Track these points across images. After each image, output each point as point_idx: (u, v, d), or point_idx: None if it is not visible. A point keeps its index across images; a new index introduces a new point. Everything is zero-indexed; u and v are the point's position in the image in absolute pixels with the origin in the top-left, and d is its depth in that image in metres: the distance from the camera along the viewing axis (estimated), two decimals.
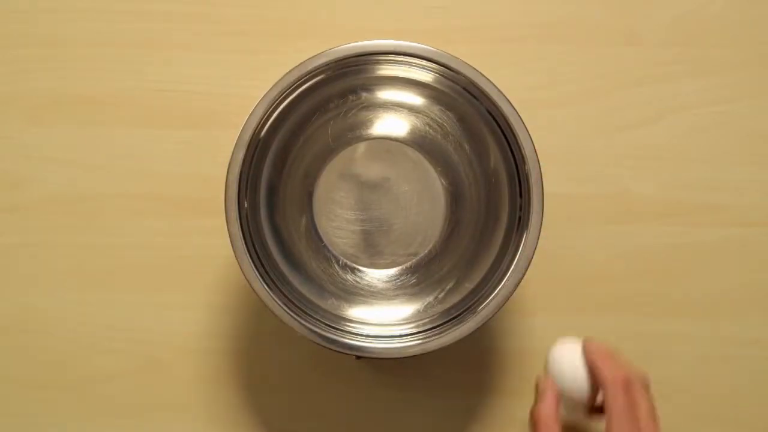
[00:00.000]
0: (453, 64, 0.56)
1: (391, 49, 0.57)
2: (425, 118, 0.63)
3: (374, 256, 0.63)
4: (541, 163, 0.56)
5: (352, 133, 0.63)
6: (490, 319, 0.55)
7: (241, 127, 0.56)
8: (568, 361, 0.54)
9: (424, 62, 0.57)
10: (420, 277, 0.63)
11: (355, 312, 0.60)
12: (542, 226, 0.55)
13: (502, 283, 0.55)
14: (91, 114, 0.66)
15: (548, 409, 0.51)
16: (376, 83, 0.61)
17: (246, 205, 0.57)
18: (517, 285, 0.55)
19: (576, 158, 0.66)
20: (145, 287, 0.65)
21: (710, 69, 0.67)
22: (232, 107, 0.65)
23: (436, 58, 0.56)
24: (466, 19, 0.67)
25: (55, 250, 0.65)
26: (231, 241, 0.55)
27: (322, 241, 0.63)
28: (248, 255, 0.55)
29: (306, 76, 0.56)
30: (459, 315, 0.56)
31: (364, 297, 0.62)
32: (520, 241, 0.56)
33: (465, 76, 0.56)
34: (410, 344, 0.55)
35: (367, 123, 0.63)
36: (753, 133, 0.66)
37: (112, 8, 0.67)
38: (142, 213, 0.65)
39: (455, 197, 0.63)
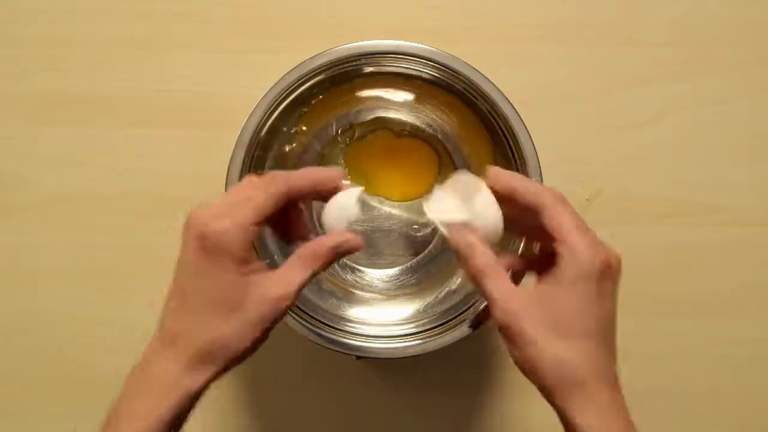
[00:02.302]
0: (453, 64, 0.56)
1: (391, 49, 0.57)
2: (425, 117, 0.63)
3: (374, 256, 0.63)
4: (541, 163, 0.56)
5: (352, 133, 0.63)
6: (490, 319, 0.55)
7: (241, 127, 0.56)
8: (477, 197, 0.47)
9: (424, 62, 0.57)
10: (420, 277, 0.63)
11: (355, 312, 0.60)
12: None
13: None
14: (91, 114, 0.66)
15: (485, 256, 0.45)
16: (376, 83, 0.61)
17: None
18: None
19: (576, 158, 0.66)
20: (145, 287, 0.65)
21: (710, 69, 0.67)
22: (232, 107, 0.65)
23: (436, 58, 0.56)
24: (465, 19, 0.67)
25: (55, 250, 0.65)
26: None
27: None
28: None
29: (306, 76, 0.56)
30: (459, 315, 0.56)
31: (364, 297, 0.62)
32: (520, 241, 0.56)
33: (465, 76, 0.56)
34: (410, 344, 0.55)
35: (367, 123, 0.63)
36: (753, 133, 0.66)
37: (112, 8, 0.67)
38: (142, 213, 0.65)
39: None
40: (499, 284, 0.44)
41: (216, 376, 0.45)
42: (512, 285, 0.45)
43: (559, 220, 0.44)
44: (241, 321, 0.44)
